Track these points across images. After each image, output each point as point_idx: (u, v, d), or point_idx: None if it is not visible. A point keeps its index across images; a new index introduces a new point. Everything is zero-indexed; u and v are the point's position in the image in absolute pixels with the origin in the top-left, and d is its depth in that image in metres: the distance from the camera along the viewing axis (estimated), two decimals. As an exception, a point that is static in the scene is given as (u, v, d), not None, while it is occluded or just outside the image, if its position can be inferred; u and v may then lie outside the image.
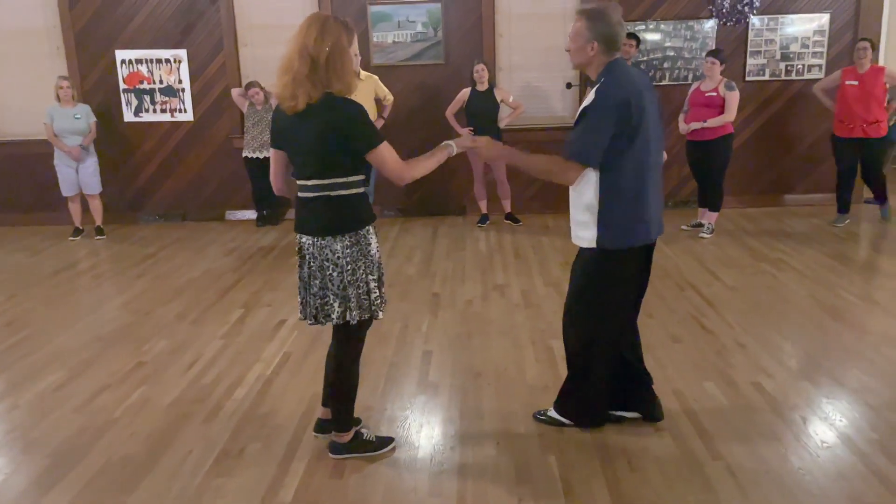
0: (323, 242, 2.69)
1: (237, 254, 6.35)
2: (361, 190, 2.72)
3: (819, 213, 7.01)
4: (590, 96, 2.76)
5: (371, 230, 2.74)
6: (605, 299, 2.95)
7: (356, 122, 2.59)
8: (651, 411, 3.17)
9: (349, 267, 2.69)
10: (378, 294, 2.78)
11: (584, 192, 2.83)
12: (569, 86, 7.35)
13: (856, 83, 6.25)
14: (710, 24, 7.13)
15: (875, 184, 6.57)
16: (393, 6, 7.17)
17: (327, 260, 2.70)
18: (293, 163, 2.72)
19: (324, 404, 3.10)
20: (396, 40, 7.23)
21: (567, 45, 2.84)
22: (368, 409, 3.39)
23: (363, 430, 3.05)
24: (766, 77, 7.23)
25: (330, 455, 2.98)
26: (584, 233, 2.87)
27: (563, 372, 3.69)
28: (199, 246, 6.67)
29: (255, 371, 3.88)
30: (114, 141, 7.43)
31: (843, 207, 6.62)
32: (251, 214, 7.58)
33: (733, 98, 5.98)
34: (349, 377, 2.91)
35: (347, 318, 2.73)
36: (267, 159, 7.10)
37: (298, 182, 2.72)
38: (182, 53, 7.39)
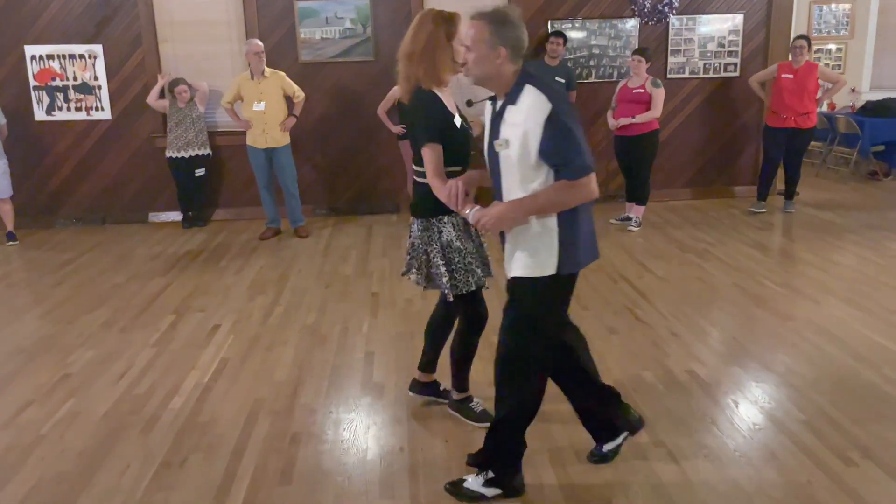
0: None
1: (164, 257, 6.12)
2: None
3: (737, 205, 7.33)
4: (538, 105, 2.30)
5: (446, 220, 2.88)
6: (551, 322, 2.58)
7: (413, 117, 2.74)
8: (633, 423, 2.84)
9: (422, 248, 2.95)
10: (450, 276, 2.94)
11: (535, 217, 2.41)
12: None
13: (791, 76, 6.66)
14: (632, 23, 7.33)
15: (794, 172, 6.92)
16: (320, 2, 7.05)
17: (418, 238, 2.98)
18: None
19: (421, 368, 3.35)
20: (324, 37, 7.12)
21: (462, 56, 2.43)
22: (313, 413, 3.35)
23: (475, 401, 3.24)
24: (687, 74, 7.49)
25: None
26: (536, 260, 2.41)
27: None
28: (122, 250, 6.40)
29: (192, 379, 3.75)
30: (24, 141, 7.04)
31: (762, 195, 6.97)
32: (176, 216, 7.32)
33: (659, 95, 6.18)
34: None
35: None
36: (192, 158, 6.91)
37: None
38: (97, 49, 7.06)
